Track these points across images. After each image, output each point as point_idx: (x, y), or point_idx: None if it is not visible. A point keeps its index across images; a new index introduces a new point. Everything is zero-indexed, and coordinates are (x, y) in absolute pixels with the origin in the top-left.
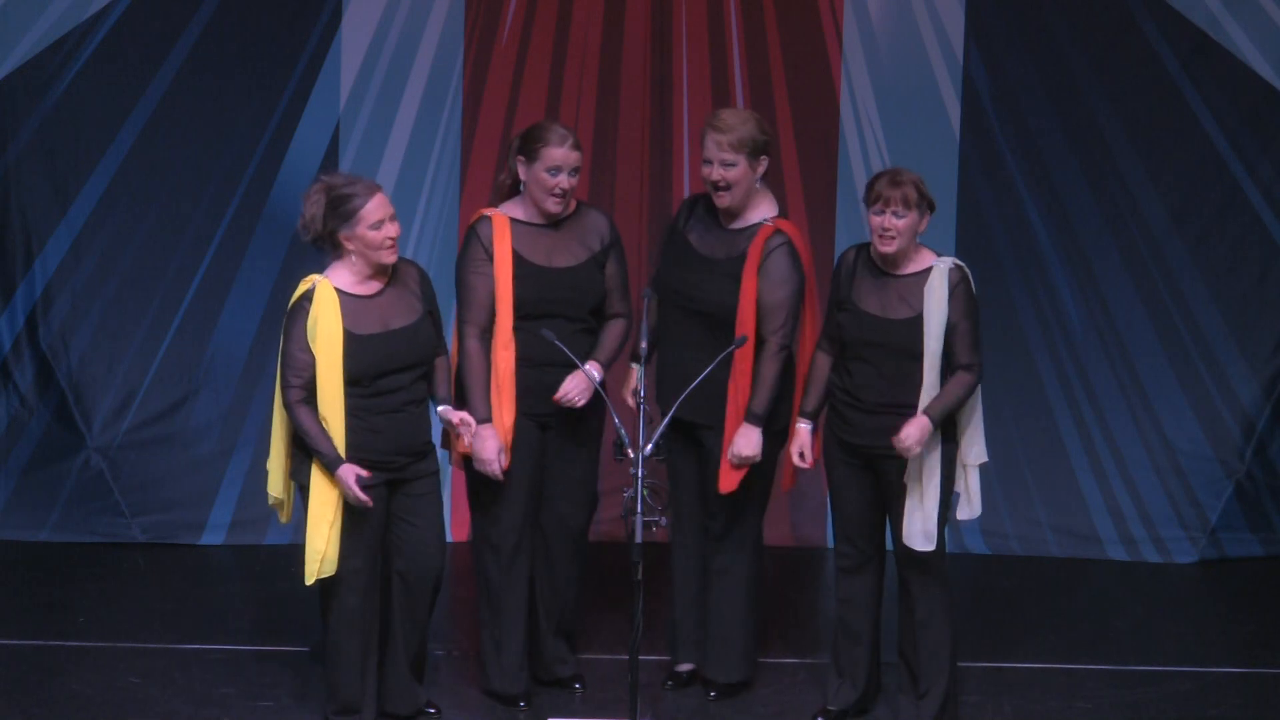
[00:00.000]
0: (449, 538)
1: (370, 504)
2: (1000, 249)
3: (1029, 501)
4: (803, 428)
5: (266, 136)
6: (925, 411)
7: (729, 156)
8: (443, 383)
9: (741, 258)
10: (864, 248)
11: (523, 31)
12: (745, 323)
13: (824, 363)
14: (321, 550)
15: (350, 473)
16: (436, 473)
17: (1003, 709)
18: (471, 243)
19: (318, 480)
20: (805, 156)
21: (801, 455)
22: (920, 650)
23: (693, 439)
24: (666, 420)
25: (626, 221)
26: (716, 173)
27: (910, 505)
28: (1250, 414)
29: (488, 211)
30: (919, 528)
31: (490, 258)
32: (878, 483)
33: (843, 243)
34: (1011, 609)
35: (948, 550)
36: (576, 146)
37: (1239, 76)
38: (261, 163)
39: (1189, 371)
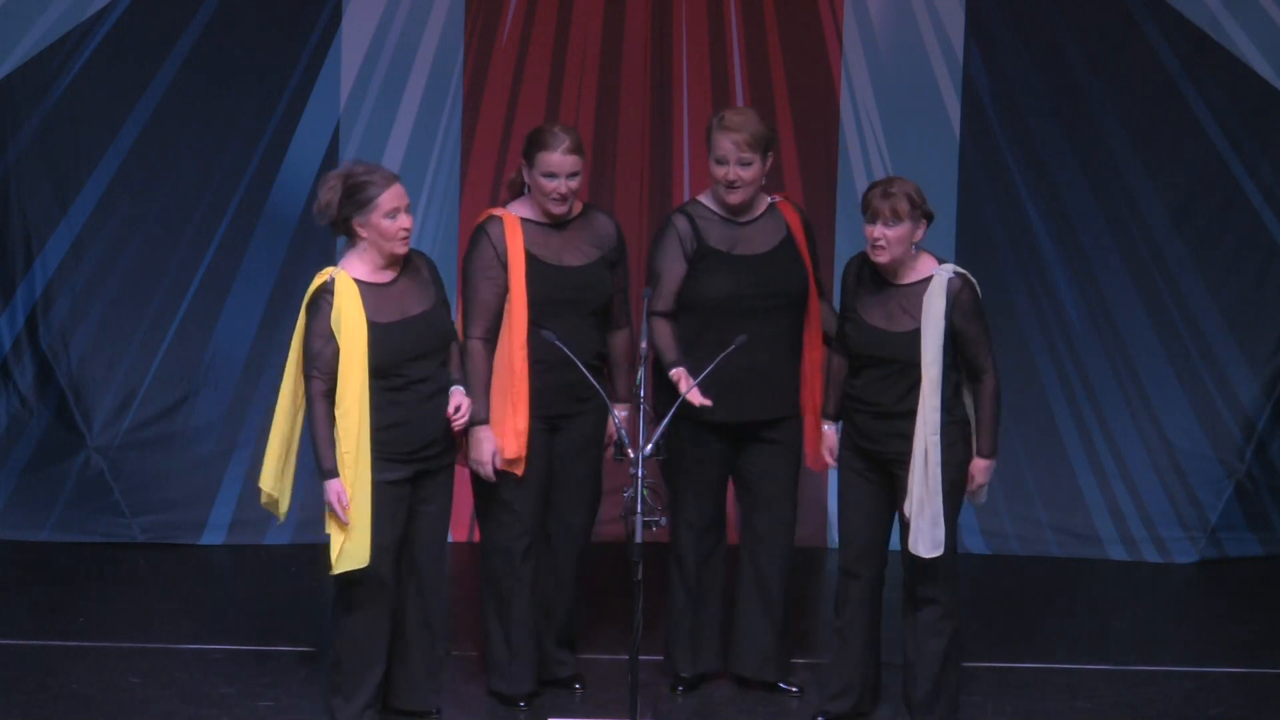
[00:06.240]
0: (448, 537)
1: (346, 520)
2: (1000, 249)
3: (1029, 501)
4: (828, 430)
5: (266, 136)
6: (979, 453)
7: (747, 155)
8: (456, 366)
9: (789, 239)
10: (867, 256)
11: (523, 31)
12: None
13: (840, 366)
14: (340, 542)
15: (336, 489)
16: (454, 462)
17: (1003, 709)
18: (481, 244)
19: (344, 473)
20: (805, 156)
21: (832, 453)
22: (922, 657)
23: (741, 439)
24: (667, 420)
25: (626, 221)
26: (734, 172)
27: (915, 512)
28: (1250, 414)
29: (497, 211)
30: (927, 535)
31: (501, 260)
32: (891, 486)
33: (842, 242)
34: (1011, 609)
35: None
36: (574, 150)
37: (1239, 76)
38: (262, 162)
39: (1189, 371)
